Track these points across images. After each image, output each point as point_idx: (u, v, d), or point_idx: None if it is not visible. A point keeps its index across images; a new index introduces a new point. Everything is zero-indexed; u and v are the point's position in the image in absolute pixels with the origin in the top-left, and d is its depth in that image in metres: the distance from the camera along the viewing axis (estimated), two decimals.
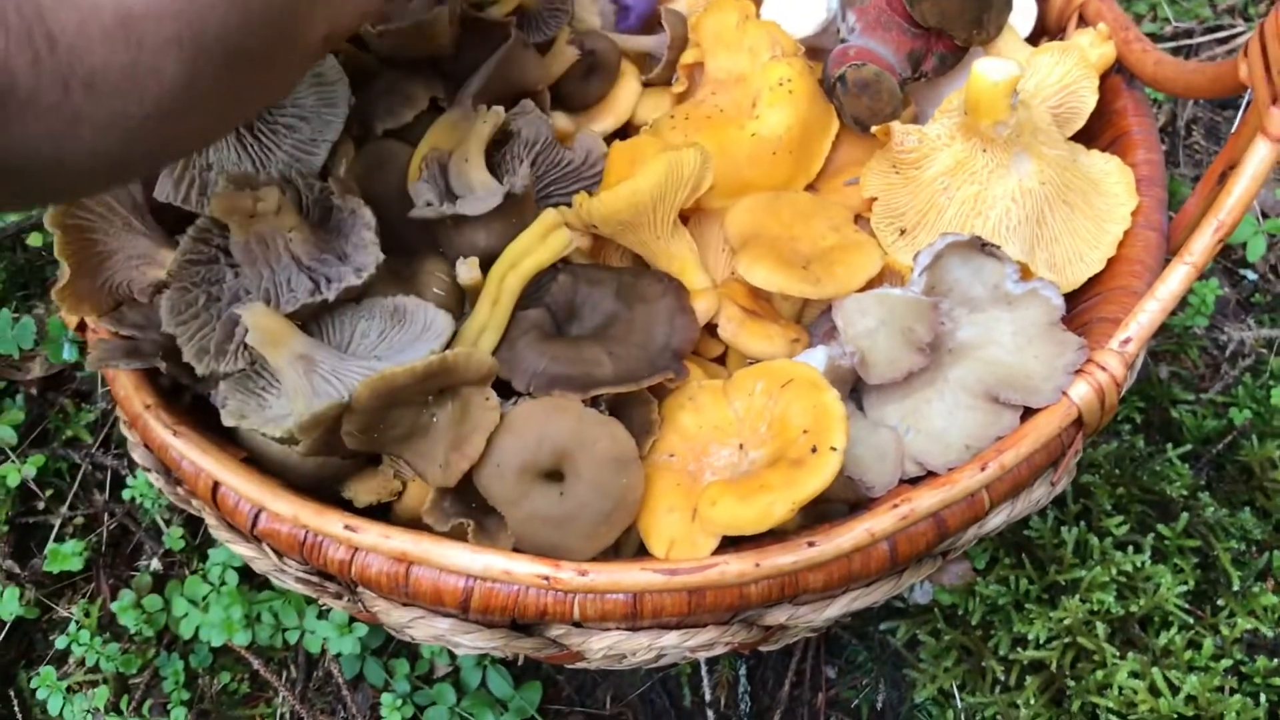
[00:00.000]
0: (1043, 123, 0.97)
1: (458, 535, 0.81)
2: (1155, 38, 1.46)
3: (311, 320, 0.84)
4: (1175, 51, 1.44)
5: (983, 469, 0.83)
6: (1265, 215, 1.33)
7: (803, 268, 0.92)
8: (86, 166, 0.50)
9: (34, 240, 1.32)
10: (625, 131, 1.10)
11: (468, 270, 0.86)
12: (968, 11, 0.99)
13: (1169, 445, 1.13)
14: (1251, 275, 1.30)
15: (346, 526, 0.79)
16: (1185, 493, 1.10)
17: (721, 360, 0.97)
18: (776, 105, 1.01)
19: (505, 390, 0.84)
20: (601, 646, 0.84)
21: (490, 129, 0.92)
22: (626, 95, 1.09)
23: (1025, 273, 0.93)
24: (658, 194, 0.89)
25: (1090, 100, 1.02)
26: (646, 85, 1.11)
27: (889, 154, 1.00)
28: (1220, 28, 1.44)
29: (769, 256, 0.91)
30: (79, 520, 1.25)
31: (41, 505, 1.25)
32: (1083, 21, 1.11)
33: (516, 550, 0.81)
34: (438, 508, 0.82)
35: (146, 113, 0.50)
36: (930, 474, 0.87)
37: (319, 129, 0.91)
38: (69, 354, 1.25)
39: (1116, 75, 1.06)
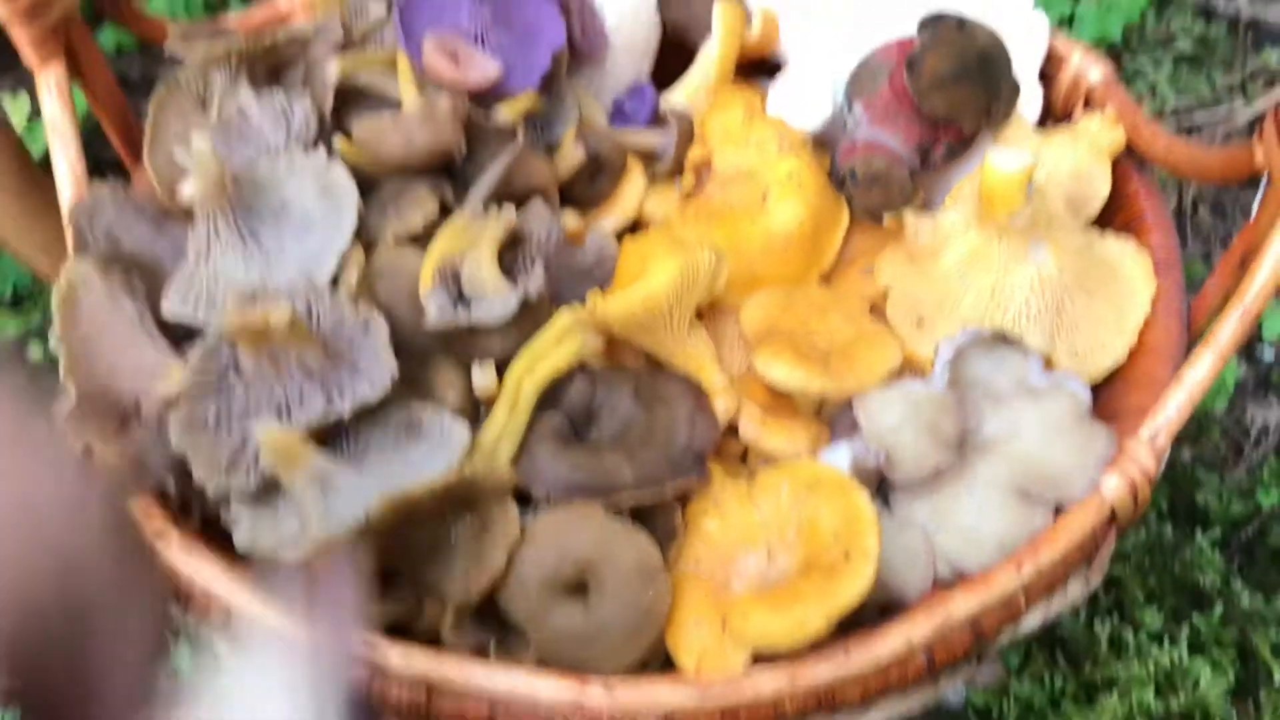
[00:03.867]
0: (1057, 210, 0.96)
1: (479, 653, 0.78)
2: (1156, 116, 1.46)
3: (324, 433, 0.82)
4: (1177, 130, 1.45)
5: (1018, 569, 0.80)
6: None
7: (821, 363, 0.91)
8: None
9: (34, 353, 1.30)
10: (633, 227, 1.09)
11: (483, 377, 0.85)
12: (976, 101, 0.99)
13: (1198, 531, 1.11)
14: (1269, 353, 1.29)
15: (364, 642, 0.76)
16: (1218, 581, 1.07)
17: (743, 458, 0.95)
18: (786, 199, 1.00)
19: (524, 498, 0.82)
20: None
21: (502, 231, 0.91)
22: (633, 192, 1.08)
23: (1049, 363, 0.91)
24: (673, 296, 0.87)
25: (1103, 187, 1.01)
26: (653, 181, 1.10)
27: (903, 244, 0.99)
28: (1219, 102, 1.44)
29: (786, 352, 0.90)
30: None
31: None
32: (1088, 104, 1.11)
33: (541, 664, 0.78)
34: (458, 626, 0.79)
35: None
36: (962, 575, 0.84)
37: (328, 238, 0.90)
38: None
39: (1127, 159, 1.05)
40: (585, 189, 1.06)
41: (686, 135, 1.07)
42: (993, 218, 0.92)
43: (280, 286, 0.88)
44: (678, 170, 1.08)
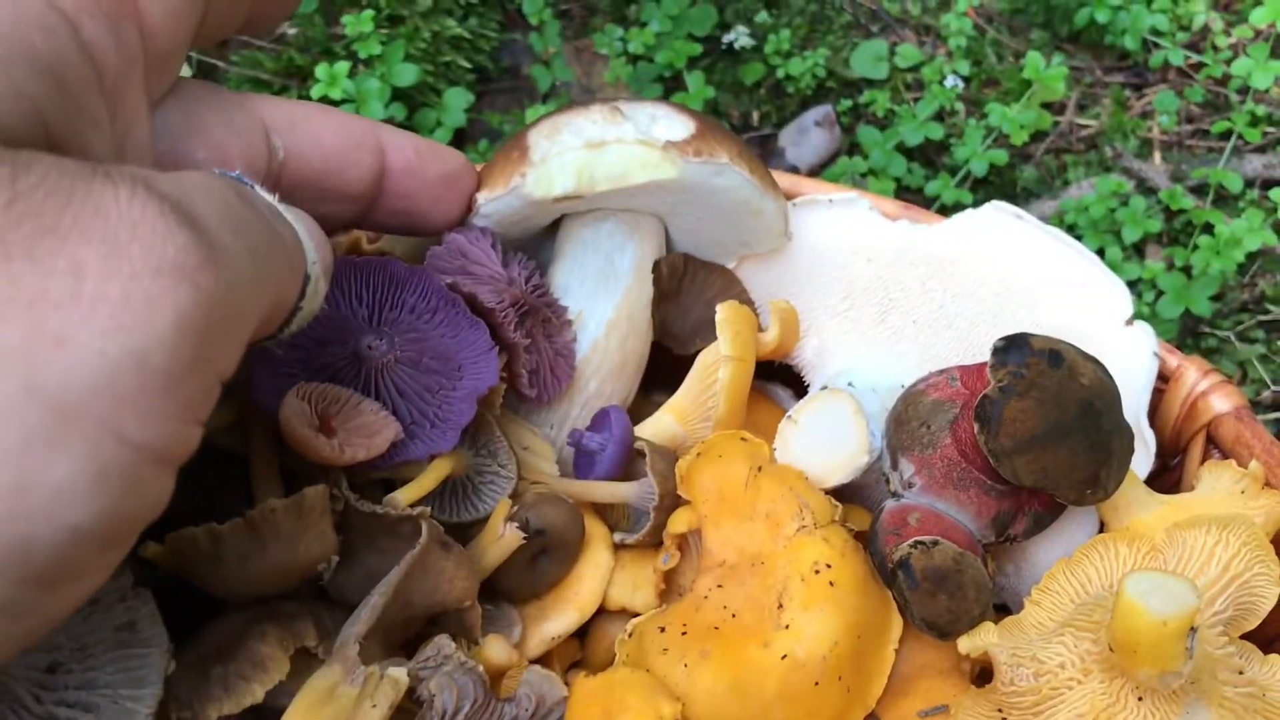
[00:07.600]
0: (1217, 647, 0.65)
1: None
2: (1255, 405, 1.18)
3: None
4: None
5: None
6: None
7: None
8: None
9: None
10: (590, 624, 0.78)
11: None
12: (1080, 468, 0.69)
13: None
14: None
15: None
16: None
17: None
18: (815, 607, 0.70)
19: None
20: None
21: (386, 707, 0.59)
22: (592, 578, 0.77)
23: None
24: None
25: (1270, 594, 0.69)
26: (621, 547, 0.79)
27: (992, 691, 0.67)
28: None
29: None
30: None
31: None
32: (1212, 443, 0.82)
33: None
34: None
35: None
36: None
37: None
38: None
39: None
40: (524, 578, 0.75)
41: (670, 496, 0.77)
42: (1131, 673, 0.61)
43: None
44: (655, 539, 0.78)
